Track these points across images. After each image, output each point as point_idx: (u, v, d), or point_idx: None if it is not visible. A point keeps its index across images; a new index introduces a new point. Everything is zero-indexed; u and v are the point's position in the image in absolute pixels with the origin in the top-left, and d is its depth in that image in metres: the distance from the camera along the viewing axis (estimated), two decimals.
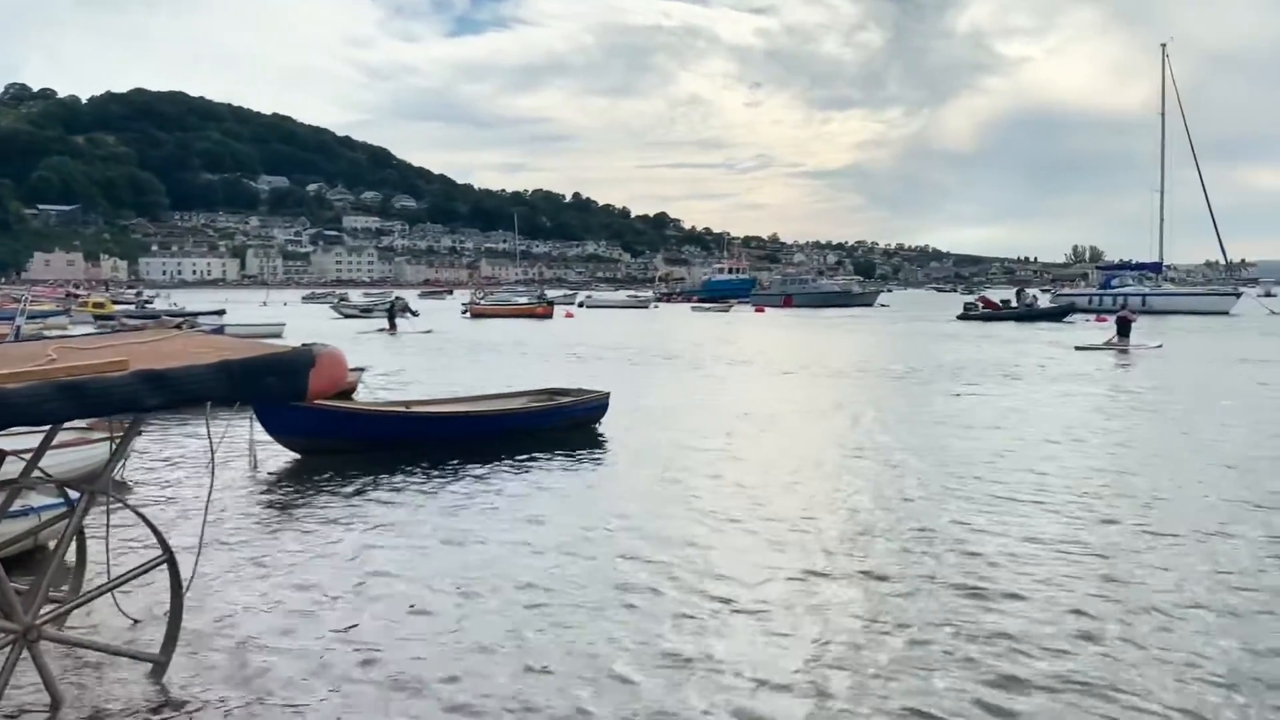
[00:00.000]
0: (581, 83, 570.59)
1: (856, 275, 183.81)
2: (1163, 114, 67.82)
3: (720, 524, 8.88)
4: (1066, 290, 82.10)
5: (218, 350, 5.41)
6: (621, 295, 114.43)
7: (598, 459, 12.43)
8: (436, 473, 11.10)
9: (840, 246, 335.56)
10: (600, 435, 14.07)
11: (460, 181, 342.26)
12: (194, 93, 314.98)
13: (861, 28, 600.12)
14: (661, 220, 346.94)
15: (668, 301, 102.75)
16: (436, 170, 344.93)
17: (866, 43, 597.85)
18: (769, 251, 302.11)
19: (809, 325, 51.58)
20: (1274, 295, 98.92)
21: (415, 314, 54.79)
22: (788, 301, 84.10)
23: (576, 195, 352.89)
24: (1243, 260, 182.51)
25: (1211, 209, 66.09)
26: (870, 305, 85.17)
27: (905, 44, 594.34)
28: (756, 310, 75.26)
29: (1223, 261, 74.59)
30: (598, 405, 14.99)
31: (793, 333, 45.11)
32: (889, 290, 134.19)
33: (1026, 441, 13.39)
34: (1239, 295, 66.24)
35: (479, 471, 11.24)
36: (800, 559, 7.75)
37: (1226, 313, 60.56)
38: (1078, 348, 31.44)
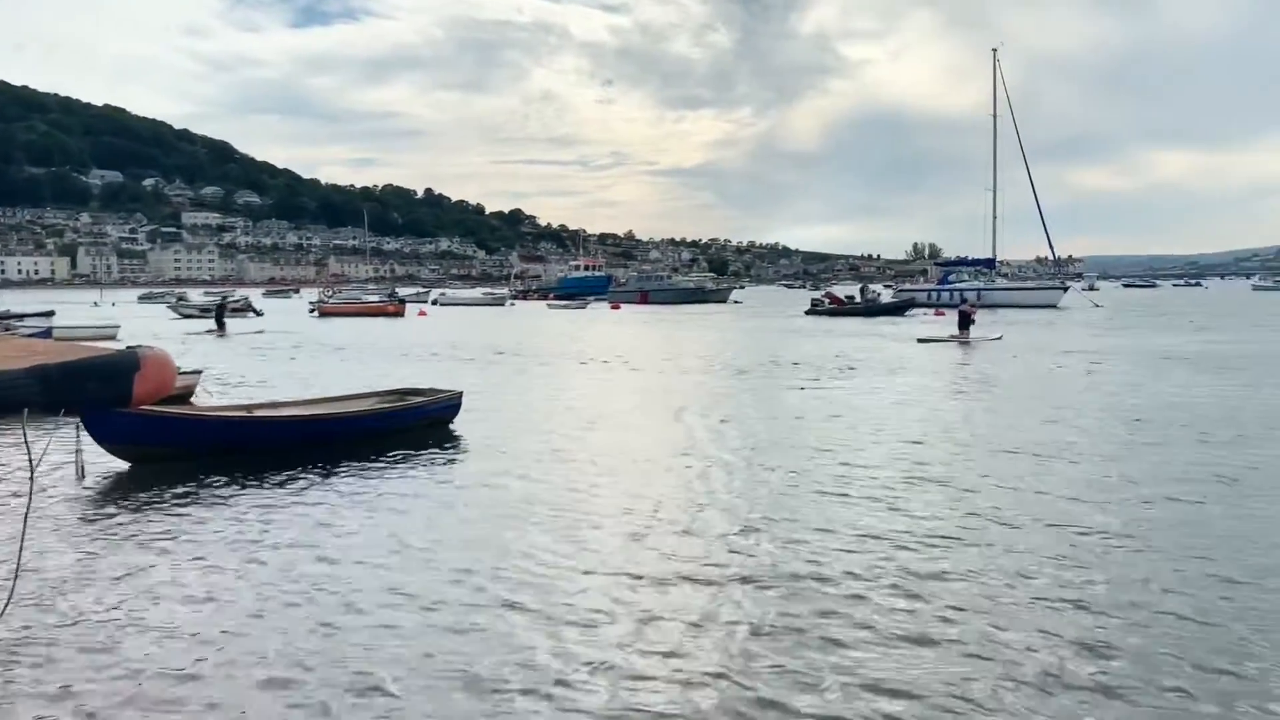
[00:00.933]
0: (432, 77, 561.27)
1: (710, 272, 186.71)
2: (994, 116, 71.25)
3: (567, 525, 8.80)
4: (907, 286, 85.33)
5: (33, 354, 5.04)
6: (477, 293, 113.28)
7: (448, 460, 12.14)
8: (274, 480, 10.60)
9: (694, 244, 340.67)
10: (453, 435, 13.81)
11: (307, 176, 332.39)
12: (16, 81, 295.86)
13: (710, 28, 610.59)
14: (516, 217, 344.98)
15: (524, 299, 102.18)
16: (281, 165, 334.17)
17: (715, 43, 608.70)
18: (625, 249, 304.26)
19: (665, 322, 52.06)
20: (1097, 289, 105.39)
21: (259, 313, 52.78)
22: (644, 298, 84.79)
23: (429, 191, 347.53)
24: (1070, 256, 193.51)
25: (1040, 207, 69.83)
26: (724, 302, 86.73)
27: (753, 45, 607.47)
28: (613, 307, 75.56)
29: (1051, 257, 78.67)
30: (450, 405, 14.71)
31: (649, 330, 45.44)
32: (742, 287, 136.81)
33: (861, 433, 13.77)
34: (1066, 289, 70.19)
35: (320, 477, 10.79)
36: (632, 558, 7.73)
37: (1055, 306, 64.07)
38: (920, 340, 32.80)
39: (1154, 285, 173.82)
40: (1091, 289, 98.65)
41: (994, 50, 72.28)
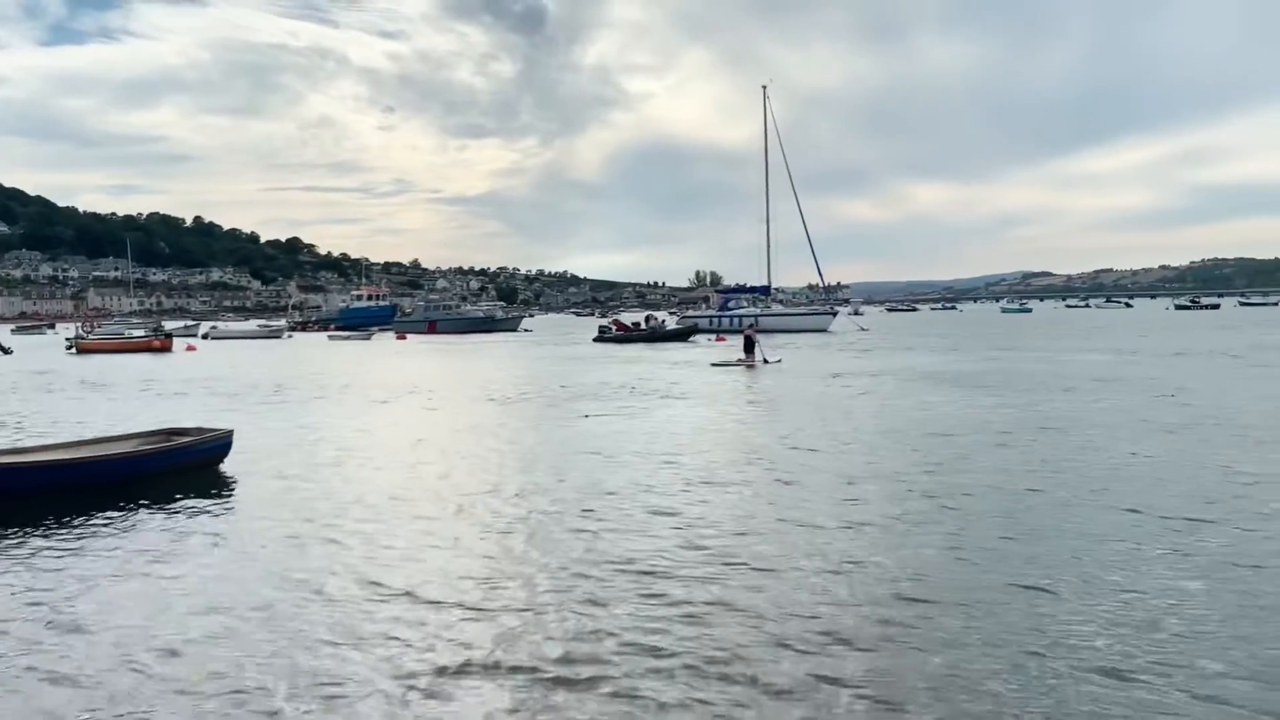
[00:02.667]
0: (200, 101, 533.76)
1: (500, 301, 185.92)
2: (765, 150, 74.63)
3: (344, 583, 8.59)
4: (691, 313, 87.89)
5: None
6: (252, 325, 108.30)
7: (215, 507, 11.55)
8: (11, 535, 9.82)
9: (483, 272, 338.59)
10: (223, 478, 13.16)
11: (62, 204, 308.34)
12: None
13: (493, 58, 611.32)
14: (294, 245, 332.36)
15: (303, 330, 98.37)
16: (32, 191, 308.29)
17: (498, 73, 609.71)
18: (410, 277, 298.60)
19: (453, 352, 51.41)
20: (863, 314, 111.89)
21: (7, 350, 48.73)
22: (432, 328, 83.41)
23: (198, 219, 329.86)
24: (839, 282, 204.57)
25: (810, 237, 73.56)
26: (514, 330, 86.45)
27: (536, 76, 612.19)
28: (399, 338, 73.94)
29: (821, 284, 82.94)
30: (219, 445, 14.04)
31: (436, 360, 44.74)
32: (531, 315, 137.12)
33: (646, 456, 14.10)
34: (835, 314, 74.19)
35: (66, 530, 10.08)
36: (411, 619, 7.65)
37: (825, 330, 67.58)
38: (714, 364, 34.12)
39: (914, 309, 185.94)
40: (857, 313, 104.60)
41: (764, 87, 75.88)
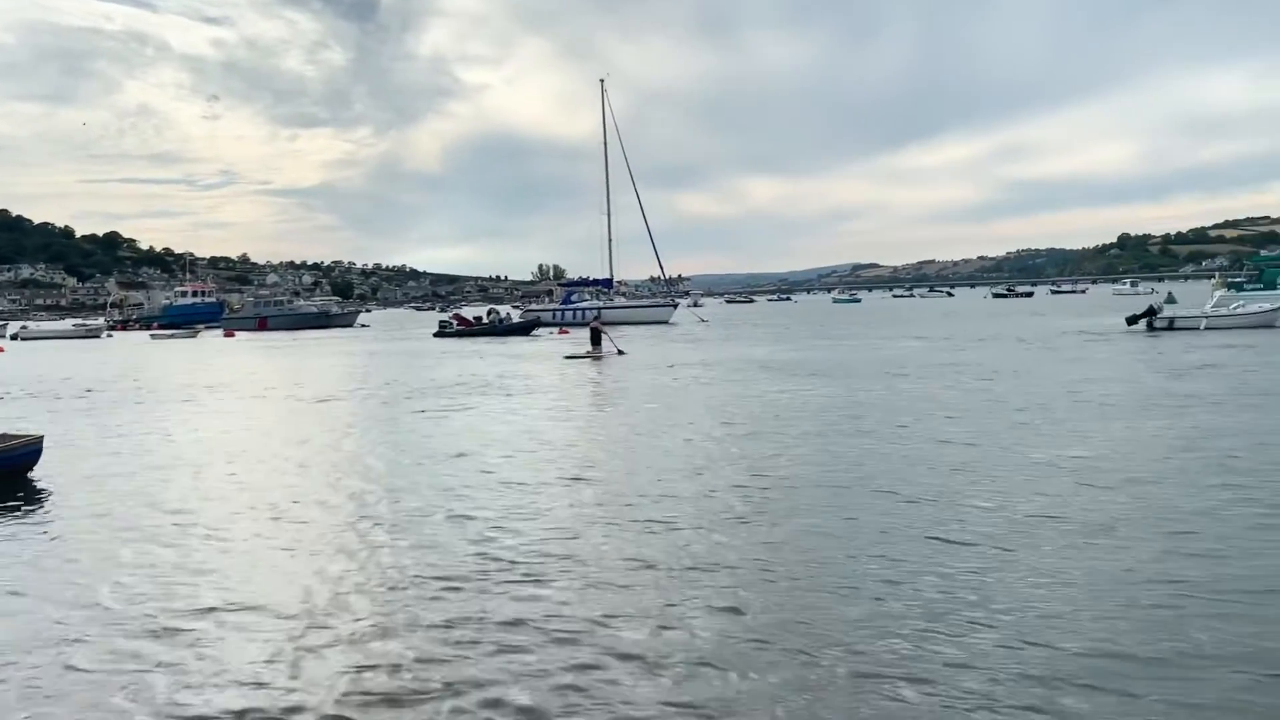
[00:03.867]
0: (5, 87, 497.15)
1: (335, 296, 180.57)
2: (604, 144, 75.08)
3: (157, 605, 8.23)
4: (534, 306, 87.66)
5: None
6: (66, 324, 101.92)
7: (22, 516, 10.86)
8: None
9: (316, 267, 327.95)
10: (32, 486, 12.38)
11: None
12: None
13: (324, 45, 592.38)
14: (113, 240, 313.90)
15: (123, 329, 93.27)
16: None
17: (330, 61, 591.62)
18: (239, 273, 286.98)
19: (286, 349, 49.72)
20: (703, 305, 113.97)
21: None
22: (263, 325, 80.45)
23: (5, 213, 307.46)
24: (679, 275, 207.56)
25: (650, 230, 74.52)
26: (351, 326, 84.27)
27: (369, 64, 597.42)
28: (227, 335, 71.08)
29: (662, 276, 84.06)
30: (28, 452, 13.20)
31: (268, 358, 43.18)
32: (369, 310, 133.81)
33: (475, 454, 14.04)
34: (676, 306, 75.40)
35: None
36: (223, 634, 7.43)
37: (667, 322, 68.60)
38: (567, 357, 34.27)
39: (752, 300, 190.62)
40: (697, 305, 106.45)
41: (601, 80, 76.27)
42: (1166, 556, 7.75)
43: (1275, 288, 49.71)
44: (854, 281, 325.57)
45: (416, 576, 7.90)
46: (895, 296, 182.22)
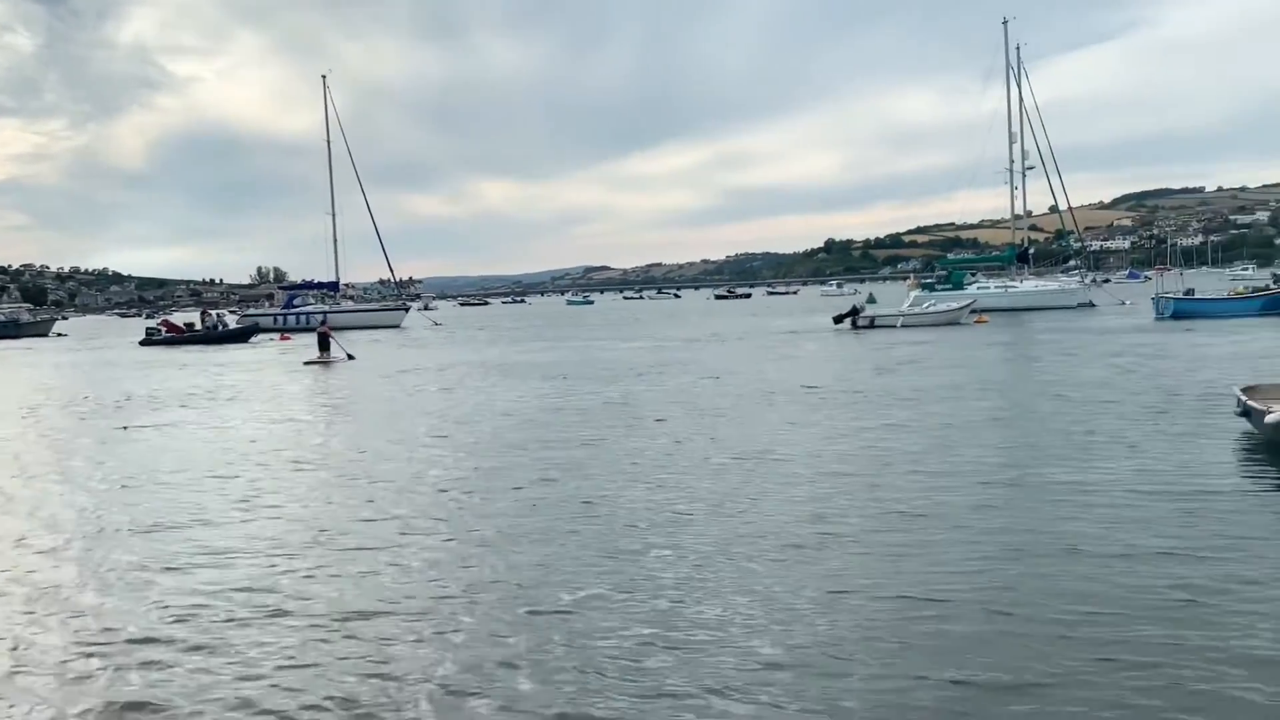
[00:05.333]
0: None
1: (26, 302, 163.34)
2: (329, 141, 72.22)
3: None
4: (253, 311, 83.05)
5: None
6: None
7: None
8: None
9: (4, 271, 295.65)
10: None
11: None
12: None
13: (9, 29, 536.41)
14: None
15: None
16: None
17: (16, 45, 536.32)
18: None
19: None
20: (435, 308, 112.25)
21: None
22: None
23: None
24: (410, 278, 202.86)
25: (379, 231, 72.29)
26: (45, 335, 76.70)
27: (62, 51, 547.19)
28: None
29: (393, 279, 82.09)
30: None
31: None
32: (65, 318, 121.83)
33: (178, 475, 13.20)
34: (408, 309, 73.79)
35: None
36: None
37: (399, 326, 67.01)
38: (306, 363, 32.96)
39: (486, 303, 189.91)
40: (429, 308, 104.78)
41: (324, 76, 73.34)
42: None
43: (962, 288, 54.82)
44: (586, 284, 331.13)
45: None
46: (626, 298, 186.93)
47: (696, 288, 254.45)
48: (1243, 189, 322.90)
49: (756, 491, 10.31)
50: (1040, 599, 6.57)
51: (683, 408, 17.58)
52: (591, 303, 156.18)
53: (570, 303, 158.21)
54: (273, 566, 8.17)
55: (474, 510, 10.01)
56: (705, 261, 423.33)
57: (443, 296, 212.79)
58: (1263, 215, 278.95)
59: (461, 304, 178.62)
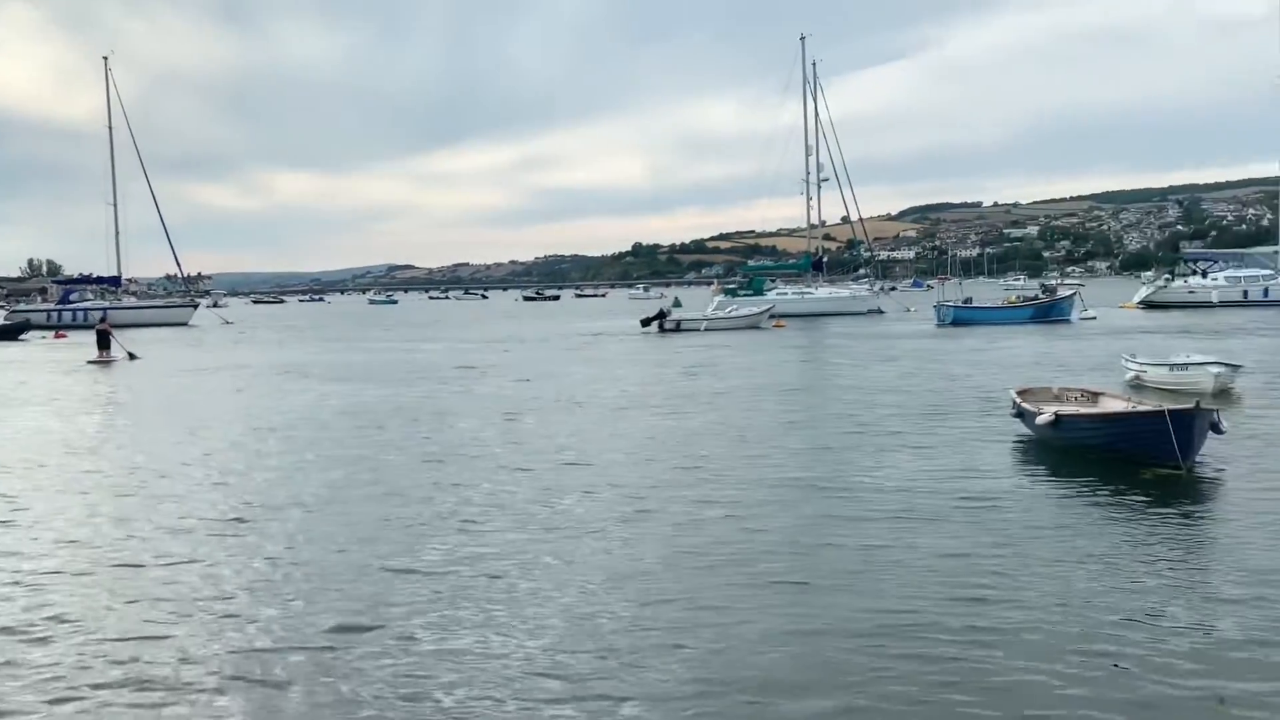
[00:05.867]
0: None
1: None
2: (110, 127, 67.63)
3: None
4: (23, 307, 76.72)
5: None
6: None
7: None
8: None
9: None
10: None
11: None
12: None
13: None
14: None
15: None
16: None
17: None
18: None
19: None
20: (226, 305, 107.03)
21: None
22: None
23: None
24: (200, 273, 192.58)
25: (165, 224, 68.11)
26: None
27: None
28: None
29: (180, 274, 77.71)
30: None
31: None
32: None
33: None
34: (196, 306, 70.02)
35: None
36: None
37: (186, 323, 63.48)
38: (90, 362, 30.78)
39: (282, 301, 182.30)
40: (219, 305, 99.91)
41: (105, 58, 68.65)
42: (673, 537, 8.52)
43: (763, 294, 56.81)
44: (390, 283, 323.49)
45: None
46: (432, 298, 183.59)
47: (505, 289, 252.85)
48: (1015, 204, 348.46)
49: (551, 497, 10.26)
50: (831, 604, 6.72)
51: (490, 411, 17.38)
52: (395, 302, 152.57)
53: (373, 302, 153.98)
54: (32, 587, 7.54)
55: (259, 527, 9.56)
56: (514, 262, 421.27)
57: (235, 294, 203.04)
58: (1033, 229, 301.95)
59: (255, 302, 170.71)
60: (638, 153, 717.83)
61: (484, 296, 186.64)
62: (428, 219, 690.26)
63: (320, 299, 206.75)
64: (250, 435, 15.28)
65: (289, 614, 6.80)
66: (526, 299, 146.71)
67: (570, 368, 26.59)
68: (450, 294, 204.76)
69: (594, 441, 13.87)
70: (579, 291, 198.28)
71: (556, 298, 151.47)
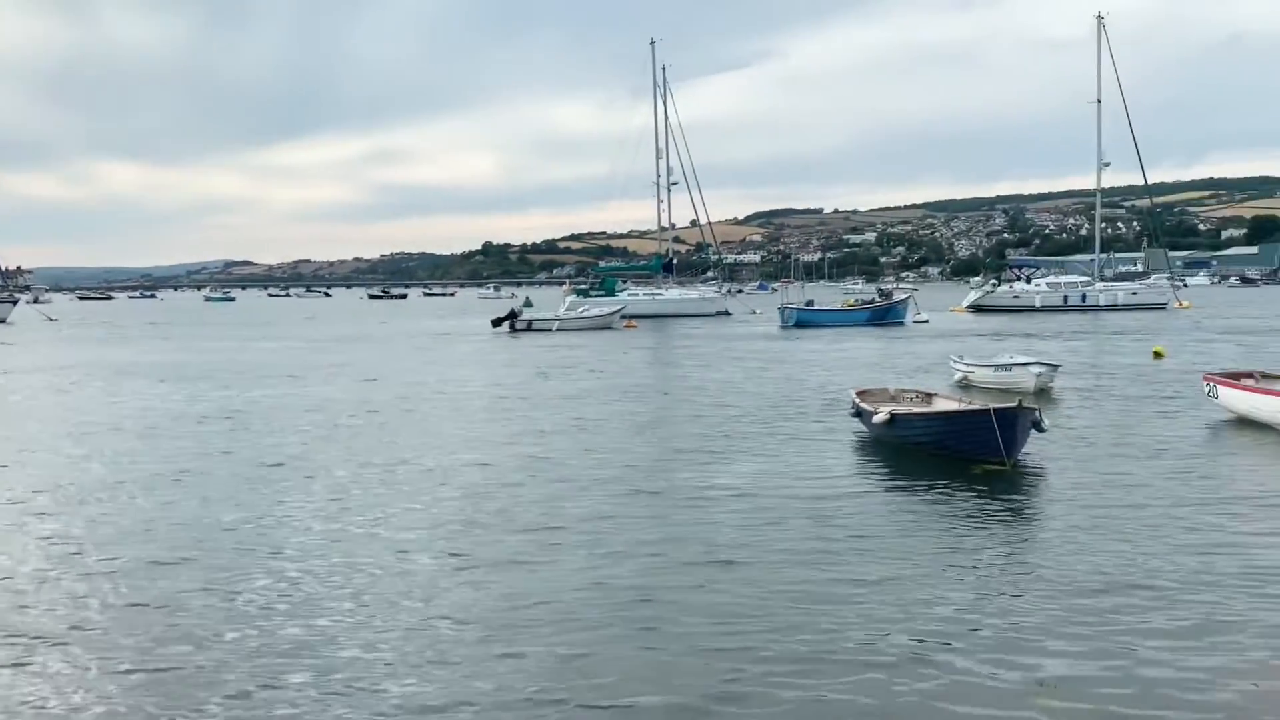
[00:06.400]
0: None
1: None
2: None
3: None
4: None
5: None
6: None
7: None
8: None
9: None
10: None
11: None
12: None
13: None
14: None
15: None
16: None
17: None
18: None
19: None
20: (48, 301, 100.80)
21: None
22: None
23: None
24: (19, 267, 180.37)
25: None
26: None
27: None
28: None
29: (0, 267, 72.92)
30: None
31: None
32: None
33: None
34: (15, 303, 65.91)
35: None
36: None
37: (4, 320, 59.72)
38: None
39: (111, 297, 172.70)
40: (40, 301, 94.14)
41: None
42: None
43: (614, 295, 57.11)
44: (227, 279, 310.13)
45: None
46: (272, 295, 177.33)
47: (349, 286, 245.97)
48: (855, 211, 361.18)
49: (384, 506, 10.06)
50: (679, 611, 6.65)
51: (322, 415, 16.94)
52: (233, 299, 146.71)
53: (209, 299, 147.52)
54: None
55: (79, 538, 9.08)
56: (358, 260, 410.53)
57: (59, 289, 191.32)
58: (871, 235, 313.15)
59: (81, 298, 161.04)
60: (489, 151, 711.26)
61: (327, 294, 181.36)
62: (268, 214, 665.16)
63: (152, 295, 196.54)
64: (66, 440, 14.45)
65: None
66: (372, 297, 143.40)
67: (415, 367, 26.17)
68: (291, 291, 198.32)
69: (433, 444, 13.66)
70: (427, 290, 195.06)
71: (404, 296, 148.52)
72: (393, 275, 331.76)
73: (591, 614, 6.62)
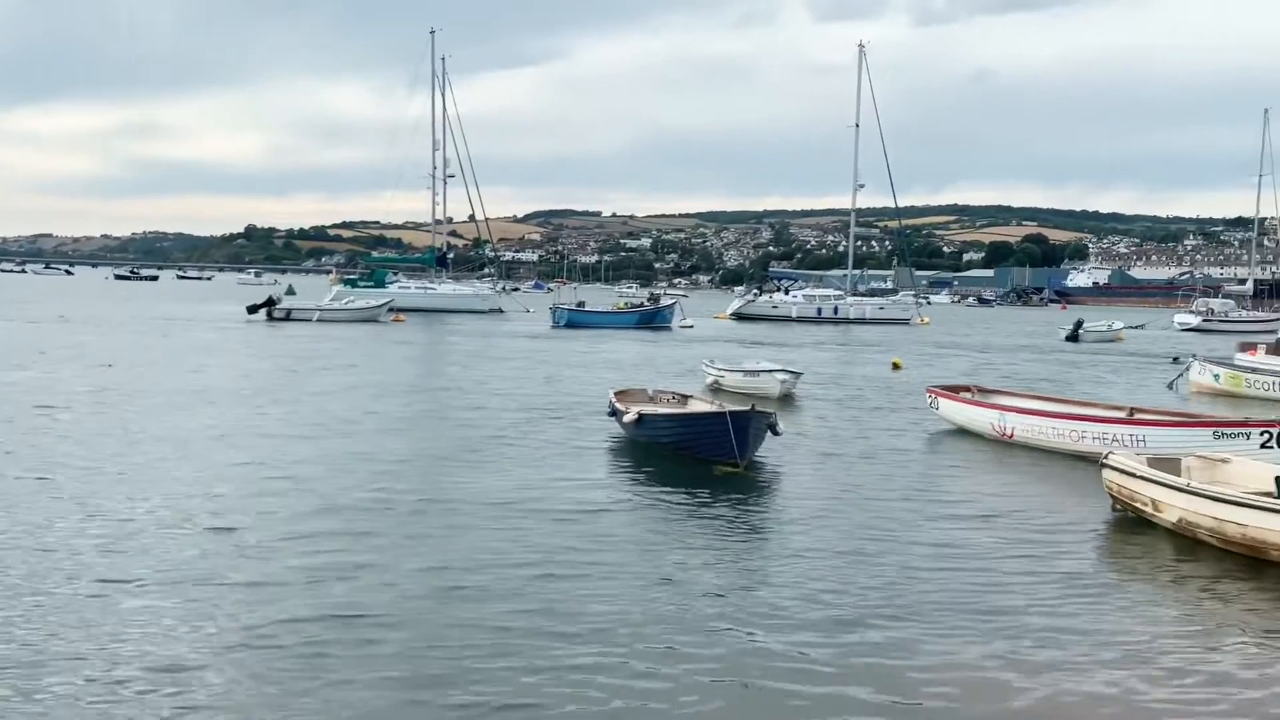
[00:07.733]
0: None
1: None
2: None
3: None
4: None
5: None
6: None
7: None
8: None
9: None
10: None
11: None
12: None
13: None
14: None
15: None
16: None
17: None
18: None
19: None
20: None
21: None
22: None
23: None
24: None
25: None
26: None
27: None
28: None
29: None
30: None
31: None
32: None
33: None
34: None
35: None
36: None
37: None
38: None
39: None
40: None
41: None
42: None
43: (384, 286, 55.45)
44: None
45: None
46: (5, 271, 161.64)
47: (95, 265, 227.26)
48: (632, 216, 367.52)
49: (75, 515, 9.28)
50: (428, 636, 6.15)
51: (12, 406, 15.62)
52: None
53: None
54: None
55: None
56: (106, 237, 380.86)
57: None
58: (646, 241, 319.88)
59: None
60: (253, 129, 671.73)
61: (69, 272, 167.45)
62: (5, 182, 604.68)
63: None
64: None
65: None
66: (119, 278, 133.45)
67: (147, 357, 24.44)
68: (28, 267, 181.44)
69: (148, 444, 12.56)
70: (182, 273, 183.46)
71: (155, 278, 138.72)
72: (146, 255, 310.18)
73: (303, 635, 6.10)
